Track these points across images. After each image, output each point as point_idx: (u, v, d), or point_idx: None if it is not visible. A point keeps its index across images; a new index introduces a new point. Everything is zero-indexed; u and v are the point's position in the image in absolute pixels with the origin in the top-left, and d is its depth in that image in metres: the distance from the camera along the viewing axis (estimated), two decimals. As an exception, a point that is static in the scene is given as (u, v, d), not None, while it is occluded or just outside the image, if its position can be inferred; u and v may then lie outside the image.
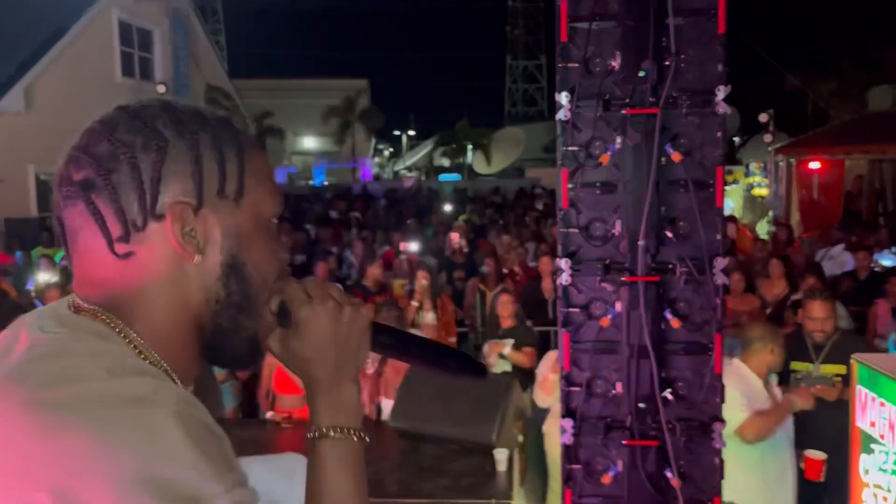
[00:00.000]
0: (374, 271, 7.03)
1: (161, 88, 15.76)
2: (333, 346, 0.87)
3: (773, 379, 3.80)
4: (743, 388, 3.48)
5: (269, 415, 4.71)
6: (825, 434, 3.70)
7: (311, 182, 28.18)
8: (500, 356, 5.29)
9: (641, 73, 2.41)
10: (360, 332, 0.90)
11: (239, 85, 21.84)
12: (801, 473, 3.67)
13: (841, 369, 3.94)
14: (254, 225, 0.85)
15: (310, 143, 38.03)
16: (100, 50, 14.86)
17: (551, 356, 4.51)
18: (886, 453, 3.09)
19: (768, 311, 6.20)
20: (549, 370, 4.43)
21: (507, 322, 5.51)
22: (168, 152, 0.79)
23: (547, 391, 4.40)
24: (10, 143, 11.93)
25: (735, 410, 3.17)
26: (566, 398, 2.61)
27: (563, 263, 2.50)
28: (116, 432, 0.66)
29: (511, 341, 5.43)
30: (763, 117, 13.15)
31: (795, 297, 6.06)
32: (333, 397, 0.91)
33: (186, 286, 0.81)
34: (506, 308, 5.52)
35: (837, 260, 8.29)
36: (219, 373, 5.00)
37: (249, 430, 4.84)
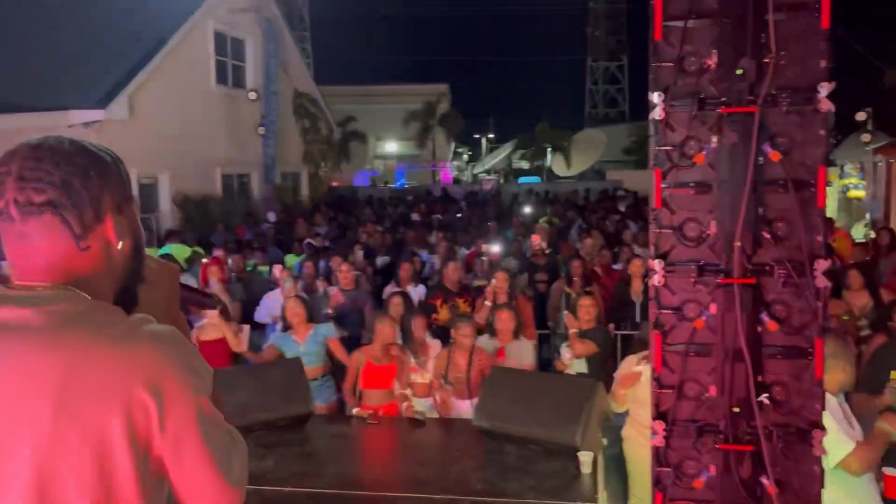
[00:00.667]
0: (454, 273, 7.09)
1: (252, 95, 16.38)
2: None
3: (841, 398, 3.55)
4: (832, 411, 3.28)
5: (355, 411, 4.84)
6: None
7: (392, 185, 28.62)
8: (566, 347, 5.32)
9: (739, 71, 2.37)
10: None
11: (324, 91, 22.40)
12: (881, 492, 3.48)
13: None
14: (135, 218, 1.28)
15: (391, 147, 38.62)
16: (197, 59, 15.56)
17: (630, 360, 4.46)
18: None
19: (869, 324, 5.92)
20: (625, 374, 4.39)
21: (586, 324, 5.47)
22: (104, 178, 1.19)
23: (626, 385, 4.37)
24: (115, 148, 12.50)
25: (835, 442, 3.01)
26: (657, 400, 2.59)
27: (657, 264, 2.49)
28: (166, 343, 1.14)
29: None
30: (860, 116, 12.53)
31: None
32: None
33: (115, 263, 1.22)
34: (588, 312, 5.48)
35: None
36: (312, 366, 5.17)
37: (337, 425, 4.99)
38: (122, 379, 1.08)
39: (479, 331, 5.49)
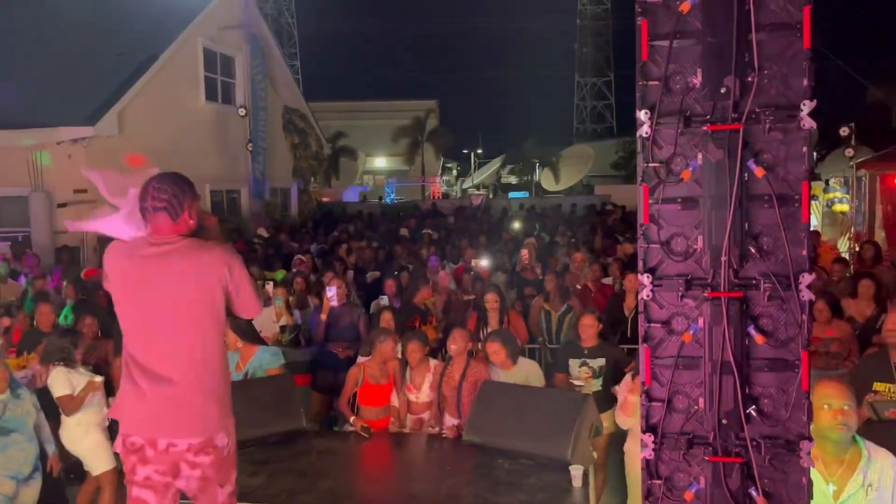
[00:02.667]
0: (424, 294, 7.16)
1: (242, 112, 16.39)
2: None
3: None
4: None
5: (352, 419, 4.85)
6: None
7: (382, 200, 28.66)
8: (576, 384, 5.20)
9: (723, 90, 2.42)
10: None
11: (314, 107, 22.46)
12: None
13: None
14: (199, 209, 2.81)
15: (381, 162, 38.73)
16: (186, 76, 15.58)
17: (629, 378, 4.48)
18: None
19: (857, 332, 5.95)
20: (628, 391, 4.40)
21: (588, 342, 5.41)
22: (187, 192, 2.72)
23: (628, 412, 4.37)
24: (104, 164, 12.61)
25: None
26: (647, 413, 2.62)
27: (645, 279, 2.53)
28: (225, 248, 2.76)
29: (599, 362, 5.33)
30: (844, 131, 12.66)
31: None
32: None
33: (190, 227, 2.72)
34: (585, 331, 5.41)
35: (929, 279, 7.92)
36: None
37: (329, 440, 4.98)
38: (215, 264, 2.65)
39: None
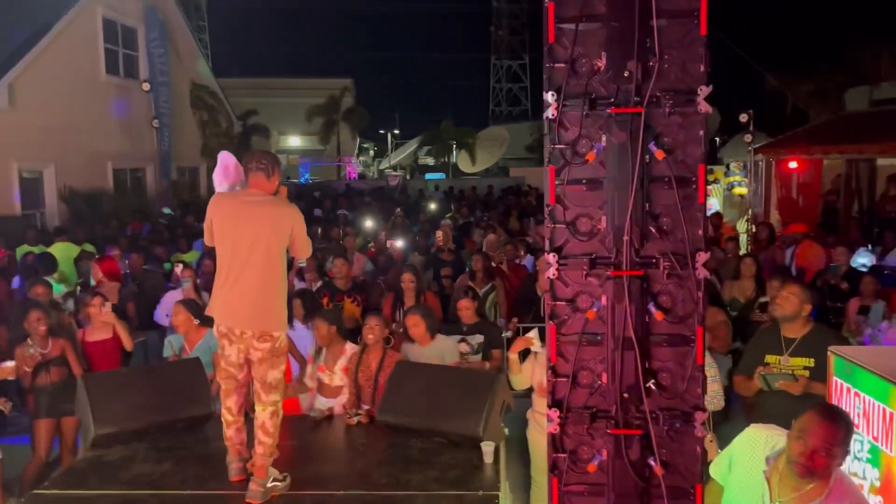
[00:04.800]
0: (341, 270, 7.06)
1: (146, 86, 15.69)
2: None
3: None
4: None
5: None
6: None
7: (296, 180, 28.11)
8: (462, 354, 5.43)
9: (626, 73, 2.49)
10: None
11: (224, 84, 21.71)
12: None
13: (808, 362, 4.01)
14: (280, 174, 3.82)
15: (295, 141, 37.93)
16: (84, 47, 14.75)
17: (519, 342, 4.61)
18: (861, 442, 3.20)
19: (734, 314, 6.27)
20: (513, 352, 4.57)
21: (467, 321, 5.76)
22: (274, 161, 3.73)
23: (514, 372, 4.62)
24: (-7, 139, 11.85)
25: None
26: (553, 389, 2.69)
27: (551, 258, 2.58)
28: (293, 206, 3.71)
29: (478, 338, 5.61)
30: (743, 117, 13.29)
31: (763, 299, 6.15)
32: None
33: (275, 187, 3.72)
34: (463, 312, 5.79)
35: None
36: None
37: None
38: (285, 216, 3.60)
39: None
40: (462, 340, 5.57)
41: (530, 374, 4.62)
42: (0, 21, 13.18)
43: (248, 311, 3.59)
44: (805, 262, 8.32)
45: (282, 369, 3.74)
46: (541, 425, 4.54)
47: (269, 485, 3.65)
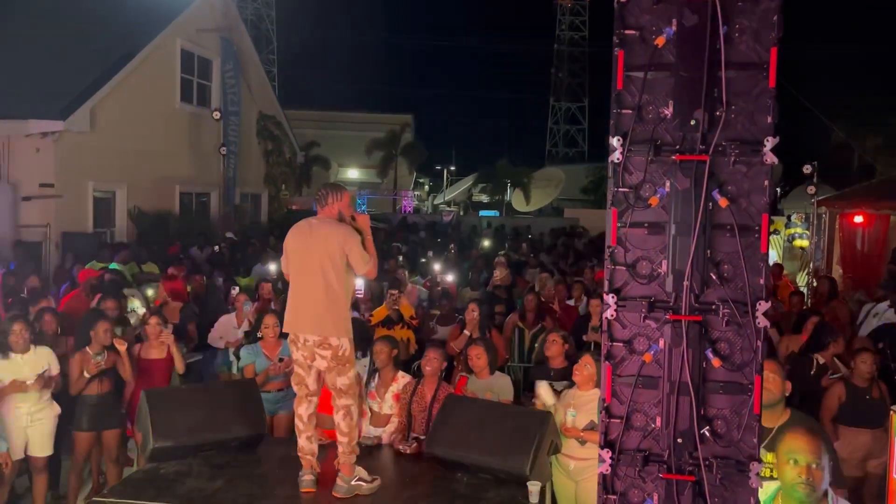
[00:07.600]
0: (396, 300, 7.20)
1: (216, 115, 16.32)
2: None
3: None
4: None
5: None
6: None
7: (352, 211, 28.53)
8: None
9: (692, 122, 2.53)
10: None
11: (289, 115, 22.41)
12: None
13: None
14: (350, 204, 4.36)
15: (353, 173, 38.67)
16: (162, 76, 15.48)
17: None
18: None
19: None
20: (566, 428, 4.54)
21: (556, 362, 5.55)
22: (340, 193, 4.26)
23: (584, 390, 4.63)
24: (72, 160, 12.45)
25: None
26: (606, 429, 2.69)
27: (610, 299, 2.61)
28: (348, 227, 4.11)
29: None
30: (807, 168, 13.03)
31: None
32: None
33: (342, 215, 4.16)
34: (549, 349, 5.58)
35: (882, 317, 8.18)
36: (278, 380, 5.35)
37: (289, 448, 4.96)
38: (336, 234, 4.00)
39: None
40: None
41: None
42: (88, 50, 13.95)
43: (308, 319, 4.03)
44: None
45: (350, 375, 4.09)
46: (565, 468, 4.52)
47: (353, 483, 4.02)
